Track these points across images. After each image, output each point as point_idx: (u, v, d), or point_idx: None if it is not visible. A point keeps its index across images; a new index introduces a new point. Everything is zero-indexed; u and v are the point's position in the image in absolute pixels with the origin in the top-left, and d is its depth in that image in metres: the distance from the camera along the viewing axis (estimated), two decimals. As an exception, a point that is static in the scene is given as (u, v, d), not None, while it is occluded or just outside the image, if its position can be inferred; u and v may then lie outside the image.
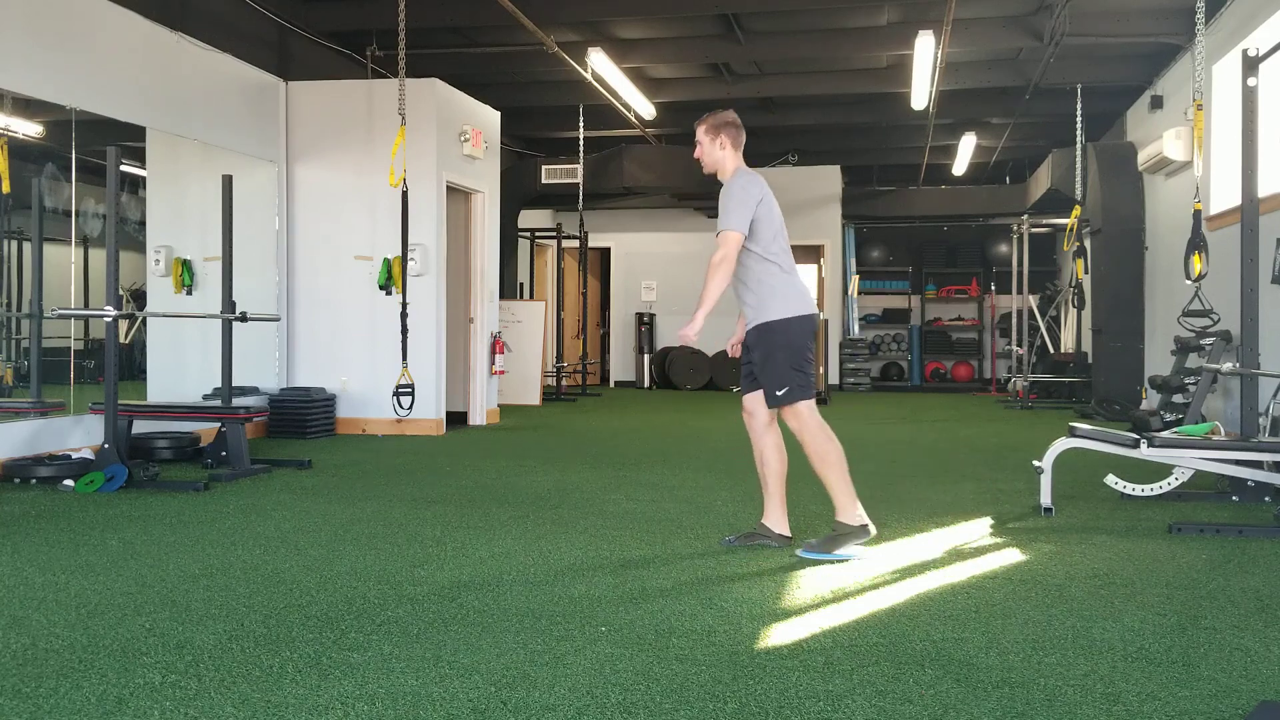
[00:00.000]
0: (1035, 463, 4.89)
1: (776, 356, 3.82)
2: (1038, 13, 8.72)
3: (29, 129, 6.13)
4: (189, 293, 7.22)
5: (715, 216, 3.96)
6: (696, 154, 4.00)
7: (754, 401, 3.97)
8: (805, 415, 3.83)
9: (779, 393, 3.82)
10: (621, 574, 3.52)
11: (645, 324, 14.87)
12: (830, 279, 14.71)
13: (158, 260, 7.08)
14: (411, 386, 7.46)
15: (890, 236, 16.00)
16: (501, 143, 9.70)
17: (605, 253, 15.37)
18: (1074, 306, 11.67)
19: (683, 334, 3.81)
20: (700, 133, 3.97)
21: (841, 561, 3.73)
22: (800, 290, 3.90)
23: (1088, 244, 11.08)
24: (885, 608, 3.11)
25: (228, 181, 6.43)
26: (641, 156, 12.12)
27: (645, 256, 15.21)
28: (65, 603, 3.11)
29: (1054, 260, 14.81)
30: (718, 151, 3.95)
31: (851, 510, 3.84)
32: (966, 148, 12.78)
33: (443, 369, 8.29)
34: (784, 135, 13.75)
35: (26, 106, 5.96)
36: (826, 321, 13.04)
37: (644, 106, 10.66)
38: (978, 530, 4.34)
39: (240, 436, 5.83)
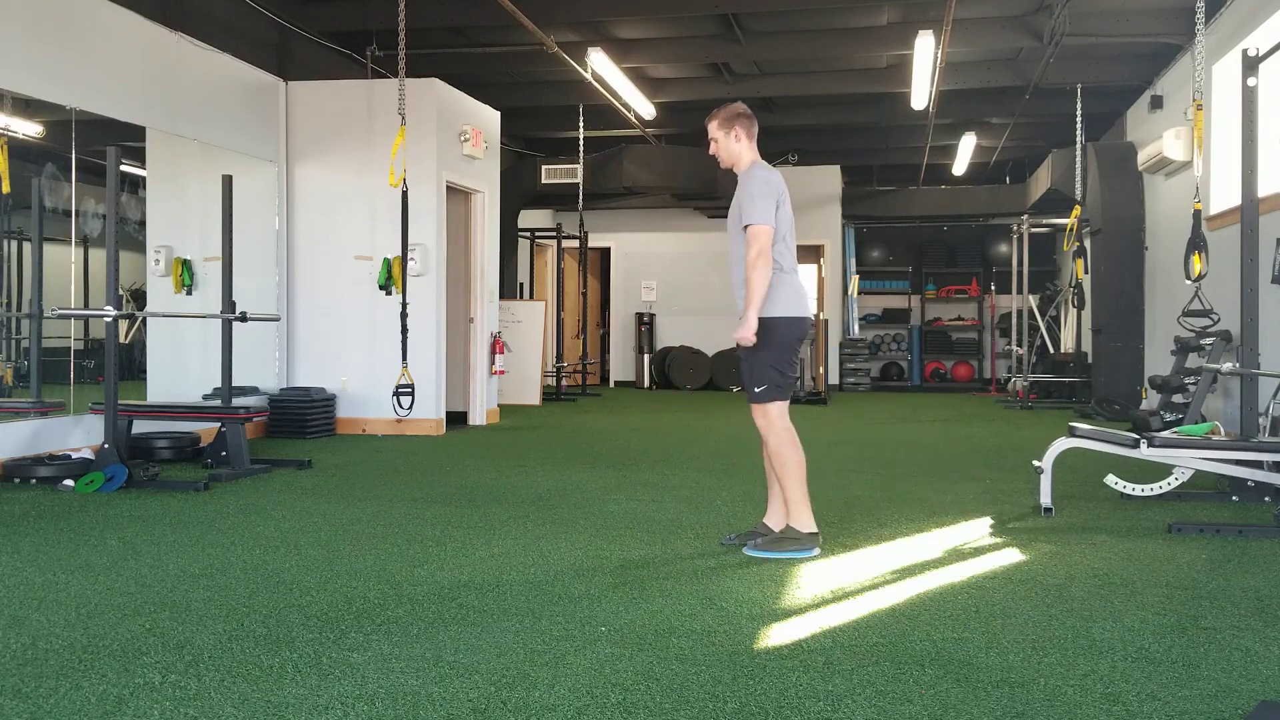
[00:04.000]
0: (1035, 463, 4.89)
1: (761, 354, 3.82)
2: (1038, 13, 8.72)
3: (29, 129, 6.12)
4: (189, 293, 7.21)
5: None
6: (711, 150, 3.99)
7: None
8: (774, 417, 3.85)
9: (757, 389, 3.82)
10: (621, 574, 3.52)
11: (645, 324, 14.87)
12: (830, 279, 14.71)
13: (158, 260, 7.08)
14: (411, 386, 7.46)
15: (890, 236, 16.00)
16: (501, 143, 9.70)
17: (605, 253, 15.36)
18: (1074, 306, 11.67)
19: (739, 336, 3.77)
20: (713, 128, 3.96)
21: (792, 559, 3.72)
22: (797, 291, 3.87)
23: (1088, 244, 11.08)
24: (885, 608, 3.11)
25: (228, 181, 6.43)
26: (641, 156, 12.12)
27: (645, 256, 15.20)
28: (65, 603, 3.11)
29: (1054, 260, 14.81)
30: (733, 144, 3.93)
31: (803, 517, 3.84)
32: (966, 148, 12.78)
33: (443, 369, 8.29)
34: (784, 135, 13.74)
35: (26, 106, 5.96)
36: (827, 321, 13.05)
37: (644, 106, 10.66)
38: (978, 530, 4.34)
39: (240, 436, 5.83)
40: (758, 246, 3.74)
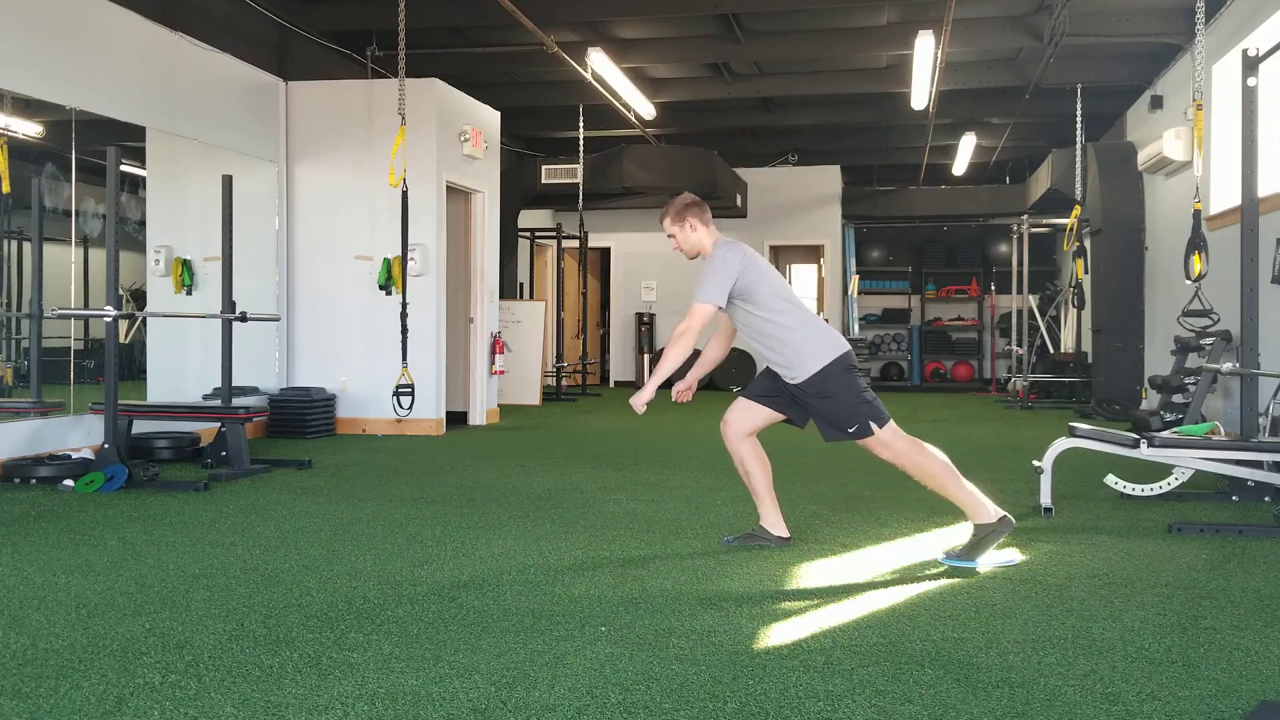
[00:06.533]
0: (1035, 463, 4.89)
1: (834, 400, 3.74)
2: (1038, 13, 8.72)
3: (29, 129, 6.12)
4: (189, 293, 7.22)
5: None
6: (674, 247, 3.98)
7: (734, 410, 3.95)
8: (889, 440, 3.74)
9: (851, 430, 3.73)
10: (621, 574, 3.52)
11: (645, 324, 14.86)
12: (830, 279, 14.70)
13: (158, 260, 7.08)
14: (411, 386, 7.46)
15: (890, 236, 16.00)
16: (501, 143, 9.70)
17: (605, 253, 15.36)
18: (1074, 306, 11.67)
19: (633, 403, 3.78)
20: (668, 225, 3.95)
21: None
22: (822, 334, 3.81)
23: (1088, 244, 11.08)
24: (885, 608, 3.11)
25: (228, 181, 6.43)
26: (641, 156, 12.12)
27: (645, 256, 15.19)
28: (65, 603, 3.11)
29: (1054, 260, 14.81)
30: (690, 235, 3.93)
31: (981, 510, 3.69)
32: (966, 148, 12.78)
33: (443, 369, 8.29)
34: (784, 135, 13.75)
35: (26, 106, 5.96)
36: (827, 322, 13.05)
37: (644, 106, 10.66)
38: (978, 530, 4.33)
39: (240, 436, 5.83)
40: (685, 324, 3.73)
